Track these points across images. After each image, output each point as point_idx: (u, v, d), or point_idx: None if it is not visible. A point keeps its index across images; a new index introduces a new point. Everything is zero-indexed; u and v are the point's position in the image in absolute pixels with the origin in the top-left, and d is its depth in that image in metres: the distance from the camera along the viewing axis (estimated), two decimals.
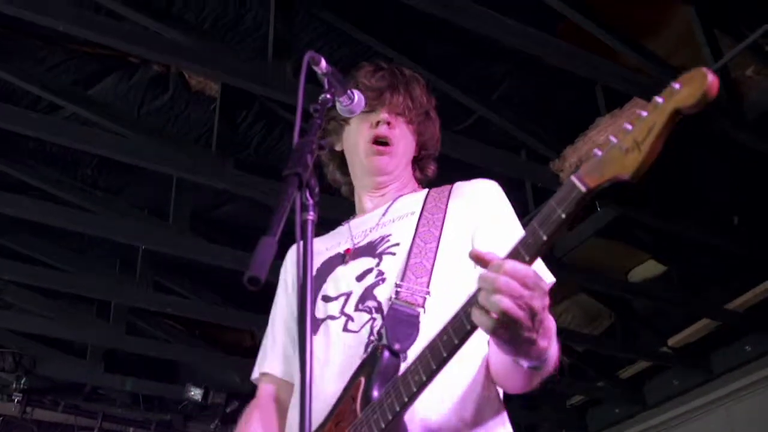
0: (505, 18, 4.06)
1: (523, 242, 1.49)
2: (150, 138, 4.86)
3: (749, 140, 4.51)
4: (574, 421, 8.11)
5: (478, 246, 1.99)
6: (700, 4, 4.38)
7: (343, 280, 2.07)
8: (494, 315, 1.45)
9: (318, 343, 1.97)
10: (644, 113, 1.32)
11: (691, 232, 5.41)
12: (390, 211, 2.21)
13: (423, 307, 1.90)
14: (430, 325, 1.82)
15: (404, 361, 1.80)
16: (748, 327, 6.45)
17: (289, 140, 5.18)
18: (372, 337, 1.91)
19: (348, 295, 2.03)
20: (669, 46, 4.53)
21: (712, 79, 1.25)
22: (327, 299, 2.06)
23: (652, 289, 6.48)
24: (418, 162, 2.39)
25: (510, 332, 1.48)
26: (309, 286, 1.44)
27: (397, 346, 1.83)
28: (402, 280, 1.94)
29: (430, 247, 2.00)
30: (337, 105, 1.95)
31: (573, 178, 1.42)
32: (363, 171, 2.31)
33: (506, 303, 1.43)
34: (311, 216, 1.53)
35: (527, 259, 1.48)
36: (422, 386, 1.63)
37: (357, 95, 1.96)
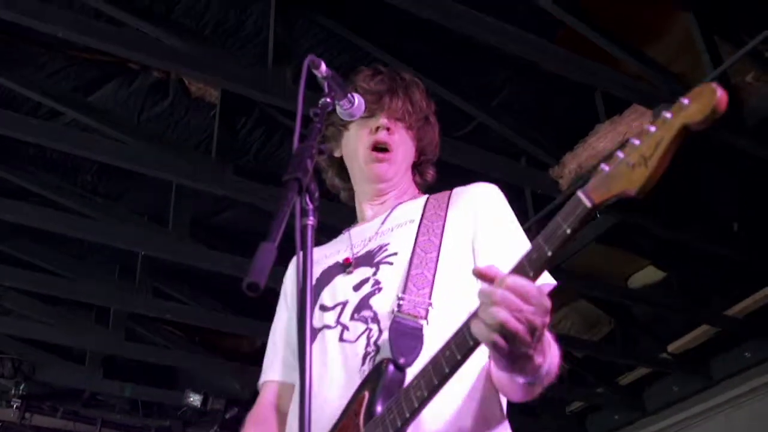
0: (505, 24, 4.06)
1: (528, 257, 1.49)
2: (150, 144, 4.87)
3: (749, 147, 4.51)
4: (574, 427, 8.10)
5: (479, 252, 1.99)
6: (700, 10, 4.39)
7: (341, 289, 2.06)
8: (491, 327, 1.44)
9: (315, 352, 1.96)
10: (652, 128, 1.31)
11: (691, 238, 5.41)
12: (389, 220, 2.19)
13: (426, 319, 1.89)
14: (434, 337, 1.81)
15: (408, 375, 1.78)
16: (748, 333, 6.45)
17: (288, 146, 5.19)
18: (369, 348, 1.90)
19: (344, 304, 2.02)
20: (669, 52, 4.54)
21: (721, 94, 1.24)
22: (324, 308, 2.04)
23: (651, 296, 6.47)
24: (417, 167, 2.38)
25: (508, 346, 1.46)
26: (309, 291, 1.44)
27: (402, 361, 1.81)
28: (404, 292, 1.92)
29: (430, 257, 1.98)
30: (338, 109, 1.94)
31: (579, 194, 1.42)
32: (362, 178, 2.29)
33: (503, 315, 1.42)
34: (311, 221, 1.53)
35: (531, 274, 1.47)
36: (425, 401, 1.62)
37: (357, 99, 1.95)
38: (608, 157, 1.39)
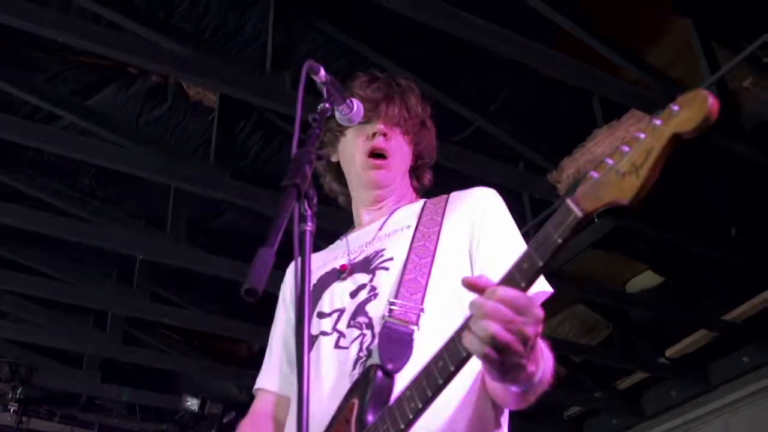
0: (504, 29, 4.07)
1: (518, 267, 1.47)
2: (148, 148, 4.87)
3: (746, 151, 4.52)
4: None
5: (477, 258, 1.98)
6: (698, 16, 4.39)
7: (338, 296, 2.05)
8: (483, 339, 1.43)
9: (311, 359, 1.95)
10: (642, 135, 1.29)
11: (689, 242, 5.41)
12: (386, 225, 2.19)
13: (417, 324, 1.88)
14: (425, 343, 1.81)
15: (397, 381, 1.77)
16: (746, 338, 6.45)
17: (287, 151, 5.21)
18: (361, 354, 1.89)
19: (341, 311, 2.01)
20: (667, 57, 4.55)
21: (712, 102, 1.20)
22: (321, 315, 2.04)
23: (649, 300, 6.47)
24: (414, 171, 2.37)
25: (500, 357, 1.44)
26: (307, 297, 1.44)
27: (390, 366, 1.80)
28: (396, 297, 1.91)
29: (425, 262, 1.97)
30: (337, 114, 1.93)
31: (569, 202, 1.39)
32: (360, 184, 2.29)
33: (494, 327, 1.41)
34: (309, 227, 1.52)
35: (523, 285, 1.45)
36: (419, 413, 1.61)
37: (356, 104, 1.95)
38: (597, 164, 1.37)
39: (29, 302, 6.54)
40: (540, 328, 1.48)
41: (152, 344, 7.16)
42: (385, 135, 2.22)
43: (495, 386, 1.73)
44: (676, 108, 1.25)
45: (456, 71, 4.76)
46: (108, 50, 4.14)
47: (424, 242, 2.02)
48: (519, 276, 1.46)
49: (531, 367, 1.52)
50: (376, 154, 2.21)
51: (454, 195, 2.17)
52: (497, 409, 1.89)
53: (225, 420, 7.87)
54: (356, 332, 1.94)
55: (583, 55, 4.28)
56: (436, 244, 2.01)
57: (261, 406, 2.23)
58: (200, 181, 4.89)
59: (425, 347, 1.76)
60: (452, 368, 1.55)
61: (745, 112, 4.49)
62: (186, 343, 7.38)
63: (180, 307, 6.50)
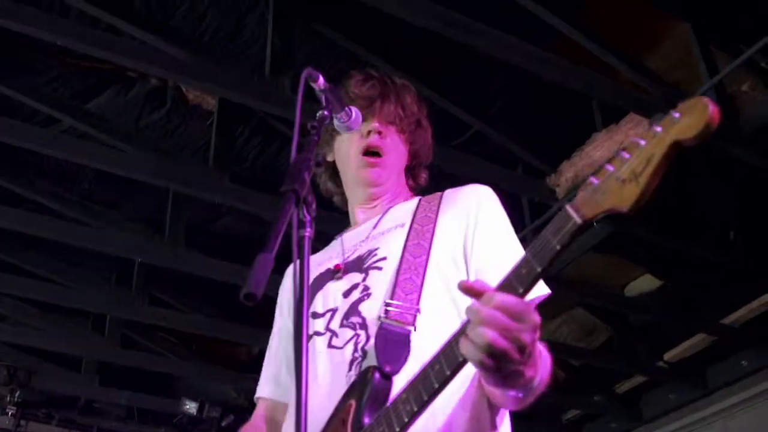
0: (503, 34, 4.07)
1: (516, 273, 1.46)
2: (147, 152, 4.88)
3: (745, 155, 4.52)
4: None
5: (471, 257, 1.97)
6: (697, 20, 4.40)
7: (332, 296, 2.05)
8: (479, 347, 1.42)
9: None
10: (643, 142, 1.28)
11: (688, 246, 5.41)
12: (380, 224, 2.18)
13: (413, 325, 1.87)
14: (422, 343, 1.81)
15: (395, 383, 1.77)
16: (744, 342, 6.45)
17: (286, 154, 5.21)
18: (356, 354, 1.89)
19: (334, 311, 2.01)
20: (666, 62, 4.55)
21: (713, 109, 1.19)
22: (315, 315, 2.03)
23: (648, 304, 6.47)
24: (410, 171, 2.36)
25: (497, 364, 1.44)
26: (305, 305, 1.44)
27: (387, 369, 1.79)
28: (392, 297, 1.90)
29: (419, 261, 1.96)
30: (335, 122, 1.93)
31: (568, 209, 1.38)
32: (354, 182, 2.28)
33: (491, 335, 1.40)
34: (308, 232, 1.52)
35: (520, 291, 1.45)
36: (414, 416, 1.61)
37: (354, 112, 1.95)
38: (597, 170, 1.35)
39: (28, 305, 6.54)
40: (537, 335, 1.47)
41: (151, 348, 7.16)
42: (380, 133, 2.21)
43: (492, 390, 1.73)
44: (677, 115, 1.24)
45: (455, 75, 4.77)
46: (107, 54, 4.15)
47: (419, 240, 2.00)
48: (517, 282, 1.45)
49: (529, 372, 1.51)
50: (371, 152, 2.20)
51: (449, 192, 2.16)
52: (494, 411, 1.87)
53: (223, 423, 7.86)
54: (350, 332, 1.94)
55: (582, 59, 4.29)
56: (431, 242, 2.00)
57: (260, 413, 2.23)
58: (199, 184, 4.89)
59: (422, 348, 1.76)
60: (448, 372, 1.54)
61: (744, 116, 4.50)
62: (184, 347, 7.38)
63: (178, 310, 6.50)
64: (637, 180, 1.27)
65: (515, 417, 1.92)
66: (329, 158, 2.35)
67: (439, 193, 2.17)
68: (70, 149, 4.72)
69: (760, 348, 6.37)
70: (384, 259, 2.02)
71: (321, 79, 1.85)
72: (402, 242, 2.02)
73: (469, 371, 1.79)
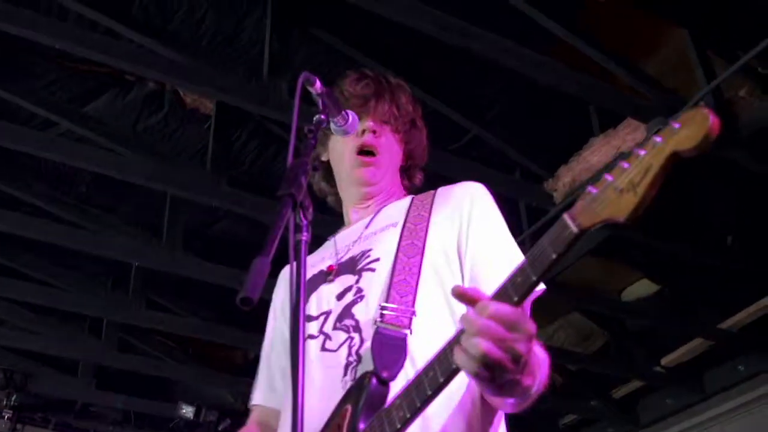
0: (501, 38, 4.08)
1: (512, 281, 1.46)
2: (144, 155, 4.88)
3: (742, 160, 4.53)
4: None
5: (465, 255, 1.95)
6: (694, 26, 4.41)
7: (325, 298, 2.03)
8: (474, 357, 1.42)
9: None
10: (642, 152, 1.27)
11: (685, 251, 5.41)
12: (373, 224, 2.16)
13: (409, 328, 1.85)
14: (418, 347, 1.80)
15: (392, 389, 1.75)
16: (742, 347, 6.46)
17: (283, 159, 5.21)
18: (350, 358, 1.87)
19: (328, 314, 1.99)
20: (663, 67, 4.56)
21: (713, 120, 1.19)
22: (309, 318, 2.01)
23: (645, 309, 6.47)
24: (405, 171, 2.35)
25: (491, 374, 1.44)
26: (301, 310, 1.43)
27: (384, 374, 1.77)
28: (387, 300, 1.89)
29: (414, 261, 1.94)
30: (332, 126, 1.92)
31: (566, 218, 1.38)
32: (349, 182, 2.27)
33: (486, 346, 1.40)
34: (305, 236, 1.51)
35: (516, 299, 1.44)
36: (407, 423, 1.60)
37: (351, 116, 1.94)
38: (596, 179, 1.35)
39: (25, 309, 6.52)
40: (532, 344, 1.47)
41: (147, 352, 7.15)
42: (374, 132, 2.20)
43: (489, 397, 1.73)
44: (676, 126, 1.24)
45: (452, 79, 4.77)
46: (105, 57, 4.14)
47: (412, 240, 1.99)
48: (512, 290, 1.45)
49: (527, 381, 1.51)
50: (365, 151, 2.19)
51: (442, 190, 2.14)
52: (488, 418, 1.86)
53: (220, 428, 7.85)
54: (343, 335, 1.92)
55: (579, 64, 4.29)
56: (425, 241, 1.98)
57: (254, 419, 2.22)
58: (196, 188, 4.89)
59: (418, 351, 1.77)
60: (442, 380, 1.54)
61: (741, 121, 4.50)
62: (181, 351, 7.37)
63: (175, 314, 6.49)
64: (635, 190, 1.27)
65: (511, 422, 1.91)
66: (323, 158, 2.33)
67: (432, 192, 2.16)
68: (67, 153, 4.72)
69: (757, 353, 6.38)
70: (377, 260, 2.01)
71: (318, 83, 1.85)
72: (395, 242, 2.00)
73: (463, 378, 1.78)
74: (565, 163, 4.98)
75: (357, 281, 2.00)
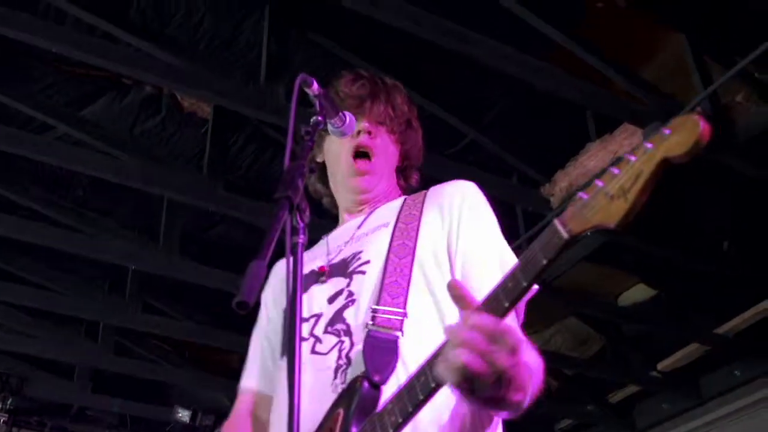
0: (499, 43, 4.08)
1: (503, 287, 1.45)
2: (141, 159, 4.88)
3: (739, 165, 4.54)
4: None
5: (455, 254, 1.94)
6: (691, 31, 4.42)
7: (316, 300, 2.02)
8: (453, 369, 1.41)
9: (289, 366, 1.93)
10: (633, 158, 1.27)
11: (681, 256, 5.42)
12: (365, 224, 2.15)
13: (401, 330, 1.84)
14: (410, 349, 1.80)
15: (384, 392, 1.75)
16: (738, 351, 6.46)
17: (280, 163, 5.20)
18: (341, 361, 1.86)
19: (318, 316, 1.98)
20: (660, 72, 4.57)
21: (704, 126, 1.19)
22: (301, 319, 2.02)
23: (641, 314, 6.47)
24: (401, 171, 2.34)
25: (470, 386, 1.42)
26: (298, 311, 1.43)
27: (376, 378, 1.76)
28: (378, 303, 1.88)
29: (405, 262, 1.93)
30: (329, 127, 1.91)
31: (556, 223, 1.38)
32: (344, 189, 2.26)
33: (465, 358, 1.39)
34: (302, 239, 1.51)
35: (506, 305, 1.43)
36: (399, 428, 1.60)
37: (348, 117, 1.93)
38: (587, 185, 1.35)
39: (21, 312, 6.51)
40: (517, 358, 1.44)
41: (144, 355, 7.14)
42: (370, 133, 2.19)
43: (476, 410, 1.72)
44: (667, 132, 1.24)
45: (450, 84, 4.77)
46: (102, 61, 4.14)
47: (403, 240, 1.98)
48: (503, 295, 1.44)
49: (516, 397, 1.49)
50: (361, 153, 2.18)
51: (433, 189, 2.13)
52: (484, 420, 1.83)
53: None
54: (334, 339, 1.91)
55: (576, 69, 4.30)
56: (416, 241, 1.97)
57: (242, 406, 2.20)
58: (193, 192, 4.89)
59: (410, 354, 1.76)
60: (433, 385, 1.53)
61: (738, 126, 4.51)
62: (178, 355, 7.36)
63: (172, 318, 6.48)
64: (626, 196, 1.27)
65: (507, 427, 1.91)
66: (319, 159, 2.32)
67: (424, 191, 2.15)
68: (64, 156, 4.71)
69: (753, 358, 6.38)
70: (368, 262, 2.00)
71: (315, 85, 1.84)
72: (386, 243, 1.99)
73: None
74: (562, 168, 4.98)
75: (348, 284, 1.99)
